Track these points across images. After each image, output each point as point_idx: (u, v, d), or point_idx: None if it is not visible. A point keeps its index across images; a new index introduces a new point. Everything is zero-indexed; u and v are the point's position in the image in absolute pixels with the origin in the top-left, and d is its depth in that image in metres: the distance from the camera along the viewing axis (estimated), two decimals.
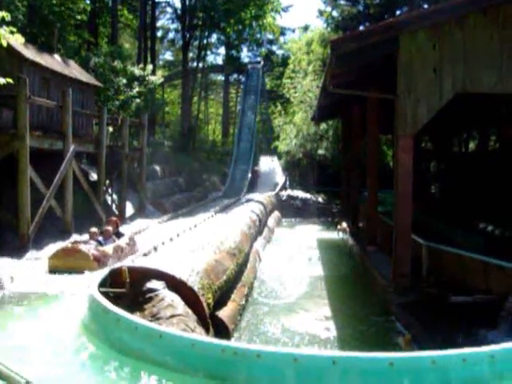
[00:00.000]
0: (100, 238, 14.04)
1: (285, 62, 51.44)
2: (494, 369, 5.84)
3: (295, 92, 40.94)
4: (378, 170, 16.97)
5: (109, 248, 13.66)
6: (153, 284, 8.58)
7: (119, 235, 14.87)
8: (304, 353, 6.36)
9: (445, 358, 5.84)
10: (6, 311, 9.72)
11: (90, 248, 13.10)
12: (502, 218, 15.81)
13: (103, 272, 9.75)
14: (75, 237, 16.84)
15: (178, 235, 16.06)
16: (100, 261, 12.90)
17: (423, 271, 11.57)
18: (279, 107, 46.96)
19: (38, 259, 14.06)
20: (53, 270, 12.53)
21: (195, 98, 52.55)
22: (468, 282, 10.45)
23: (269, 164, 43.74)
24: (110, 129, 24.14)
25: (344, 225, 22.27)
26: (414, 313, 10.02)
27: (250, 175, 40.64)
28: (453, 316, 9.26)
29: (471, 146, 30.23)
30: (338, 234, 22.96)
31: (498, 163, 19.60)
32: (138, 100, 29.93)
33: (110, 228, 14.59)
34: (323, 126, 38.54)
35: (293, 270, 16.17)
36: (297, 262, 17.46)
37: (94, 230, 14.52)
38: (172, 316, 7.79)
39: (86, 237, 14.96)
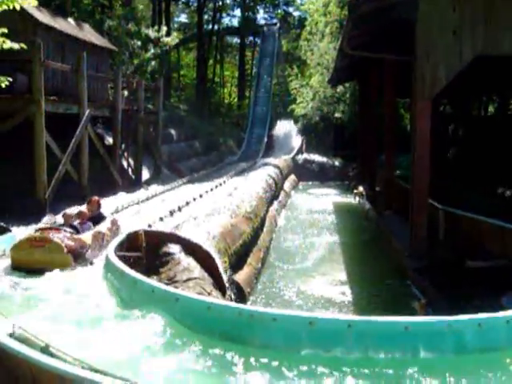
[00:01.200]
0: (76, 223, 10.70)
1: (301, 23, 50.64)
2: (509, 334, 5.84)
3: (312, 54, 40.40)
4: (395, 133, 16.81)
5: (87, 236, 10.39)
6: (169, 248, 8.64)
7: (100, 218, 11.48)
8: (319, 316, 6.39)
9: (460, 323, 5.85)
10: None
11: (63, 237, 9.92)
12: None
13: (120, 236, 9.81)
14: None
15: (194, 199, 16.13)
16: (76, 253, 9.80)
17: (440, 236, 11.53)
18: (296, 70, 46.46)
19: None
20: (17, 266, 9.49)
21: (211, 61, 52.10)
22: (485, 246, 10.40)
23: (285, 127, 43.47)
24: (125, 92, 24.07)
25: (360, 189, 22.22)
26: (430, 277, 10.01)
27: (266, 139, 40.46)
28: (469, 281, 9.25)
29: (491, 109, 29.79)
30: (354, 198, 22.94)
31: None
32: (153, 62, 29.74)
33: (85, 210, 11.24)
34: (340, 88, 38.06)
35: (309, 234, 16.21)
36: (313, 227, 17.48)
37: (68, 212, 11.23)
38: (188, 279, 7.85)
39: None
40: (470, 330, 5.77)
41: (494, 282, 8.86)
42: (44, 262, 9.34)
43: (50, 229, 10.24)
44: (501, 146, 19.70)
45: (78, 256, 9.78)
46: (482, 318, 5.86)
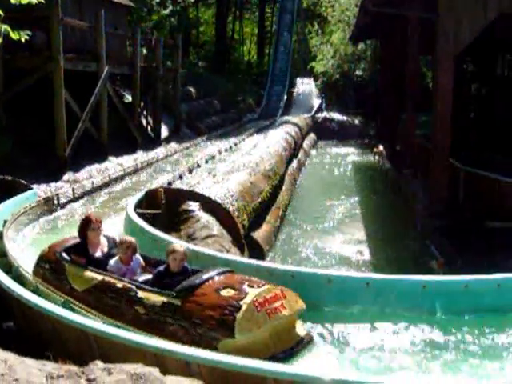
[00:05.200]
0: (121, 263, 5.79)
1: None
2: None
3: (333, 11, 39.65)
4: (416, 91, 16.53)
5: None
6: (188, 205, 8.68)
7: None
8: (338, 274, 6.42)
9: (478, 283, 5.83)
10: None
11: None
12: None
13: (139, 194, 9.86)
14: (105, 165, 16.66)
15: (213, 157, 16.13)
16: None
17: (460, 196, 11.43)
18: (316, 27, 45.63)
19: (76, 182, 14.05)
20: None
21: (230, 18, 51.38)
22: (505, 207, 10.30)
23: (305, 85, 43.00)
24: (144, 50, 23.87)
25: (380, 148, 22.00)
26: (449, 237, 9.98)
27: (285, 97, 40.10)
28: (488, 241, 9.21)
29: None
30: (373, 157, 22.78)
31: None
32: (171, 19, 29.40)
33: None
34: (361, 46, 37.47)
35: (328, 193, 16.18)
36: (332, 186, 17.44)
37: (181, 249, 5.59)
38: (207, 236, 7.91)
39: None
40: (488, 290, 5.76)
41: None
42: (293, 330, 5.20)
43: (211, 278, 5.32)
44: None
45: None
46: (501, 278, 5.84)
